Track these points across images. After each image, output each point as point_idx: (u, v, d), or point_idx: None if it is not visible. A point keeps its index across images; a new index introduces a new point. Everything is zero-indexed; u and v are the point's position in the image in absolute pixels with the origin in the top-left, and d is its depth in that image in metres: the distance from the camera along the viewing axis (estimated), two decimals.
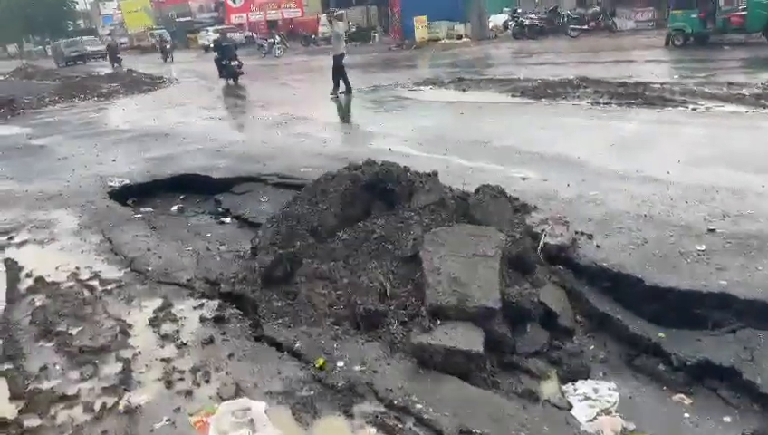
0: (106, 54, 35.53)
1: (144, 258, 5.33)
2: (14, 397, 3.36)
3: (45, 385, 3.47)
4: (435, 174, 4.80)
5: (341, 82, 14.71)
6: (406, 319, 3.77)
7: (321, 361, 3.37)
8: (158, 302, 4.42)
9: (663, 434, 3.07)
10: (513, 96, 12.10)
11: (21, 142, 12.45)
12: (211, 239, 6.19)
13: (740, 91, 10.10)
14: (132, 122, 13.94)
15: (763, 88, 10.24)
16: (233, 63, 19.01)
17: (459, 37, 31.67)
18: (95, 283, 4.91)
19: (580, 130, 8.69)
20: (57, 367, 3.65)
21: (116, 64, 31.61)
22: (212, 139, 10.83)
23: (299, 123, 11.70)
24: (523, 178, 6.44)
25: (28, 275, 5.21)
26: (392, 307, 3.84)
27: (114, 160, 9.64)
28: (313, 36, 40.10)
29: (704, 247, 4.32)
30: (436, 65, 20.82)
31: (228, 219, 6.94)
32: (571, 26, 25.29)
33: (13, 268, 5.37)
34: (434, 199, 4.42)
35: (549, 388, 3.45)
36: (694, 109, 9.19)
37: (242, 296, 4.32)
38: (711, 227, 4.65)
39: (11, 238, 6.29)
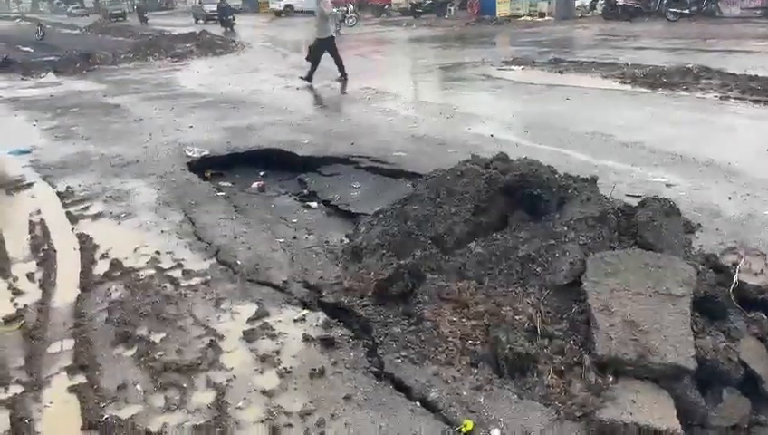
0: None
1: (231, 248, 4.68)
2: (86, 426, 2.74)
3: (124, 412, 2.84)
4: (593, 179, 3.91)
5: (337, 67, 12.93)
6: (562, 368, 2.95)
7: (469, 424, 2.60)
8: (251, 308, 3.75)
9: None
10: (621, 83, 10.91)
11: (96, 100, 12.14)
12: (298, 226, 5.52)
13: None
14: (207, 86, 13.46)
15: None
16: (228, 18, 30.23)
17: (542, 15, 30.04)
18: (178, 274, 4.29)
19: (719, 129, 7.55)
20: (138, 387, 3.02)
21: (228, 29, 29.95)
22: (292, 110, 10.16)
23: (383, 99, 10.89)
24: (668, 185, 5.45)
25: (104, 256, 4.64)
26: (545, 350, 3.02)
27: (191, 127, 9.09)
28: (386, 6, 39.05)
29: None
30: (520, 44, 19.54)
31: (315, 204, 6.25)
32: (671, 9, 23.35)
33: (87, 246, 4.82)
34: (593, 213, 3.54)
35: None
36: None
37: (350, 311, 3.59)
38: None
39: (86, 209, 5.77)
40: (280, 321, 3.58)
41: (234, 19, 31.10)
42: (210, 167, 7.34)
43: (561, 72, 12.56)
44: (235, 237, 4.90)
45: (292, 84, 13.02)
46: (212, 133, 8.61)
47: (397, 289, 3.46)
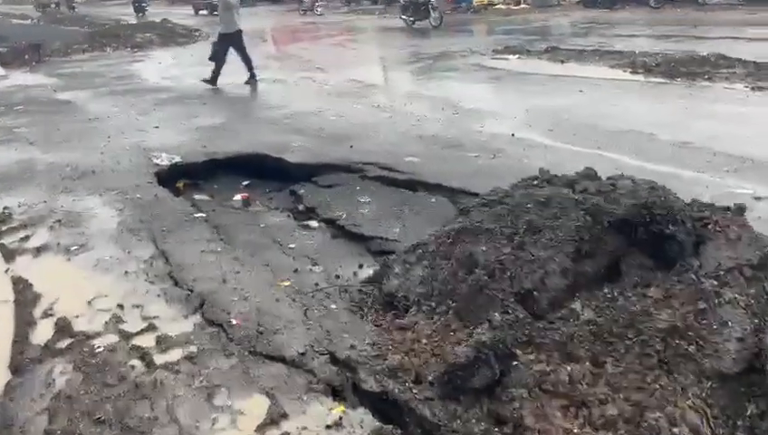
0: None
1: (220, 297, 3.52)
2: None
3: None
4: (741, 210, 2.85)
5: (245, 66, 10.79)
6: None
7: None
8: (260, 403, 2.61)
9: None
10: (632, 72, 9.97)
11: (45, 96, 10.69)
12: (297, 254, 4.39)
13: None
14: (172, 79, 12.11)
15: None
16: (142, 5, 29.24)
17: (518, 3, 29.13)
18: (150, 342, 3.11)
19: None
20: None
21: (141, 14, 28.86)
22: (272, 105, 8.95)
23: (374, 92, 9.74)
24: (756, 198, 4.47)
25: (47, 314, 3.44)
26: None
27: (157, 127, 7.81)
28: None
29: None
30: (504, 32, 18.50)
31: (315, 223, 5.10)
32: None
33: (25, 297, 3.60)
34: (749, 259, 2.51)
35: None
36: None
37: (405, 407, 2.48)
38: None
39: (26, 239, 4.51)
40: (305, 428, 2.44)
41: (147, 6, 30.24)
42: (183, 176, 6.12)
43: (562, 62, 11.57)
44: (224, 280, 3.74)
45: (267, 76, 11.73)
46: (182, 135, 7.36)
47: (480, 381, 2.35)
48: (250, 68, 10.78)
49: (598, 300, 2.57)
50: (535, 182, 3.36)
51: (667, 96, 8.22)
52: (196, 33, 20.96)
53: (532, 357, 2.48)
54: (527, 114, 7.62)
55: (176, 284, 3.73)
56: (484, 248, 2.83)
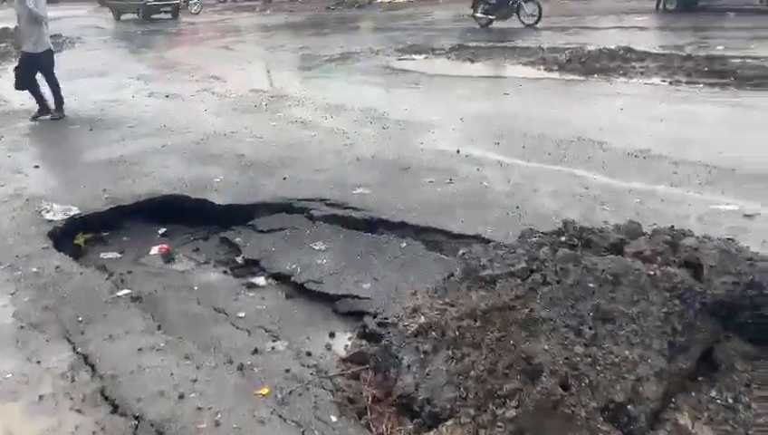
0: None
1: (183, 426, 2.66)
2: None
3: None
4: None
5: (51, 93, 8.58)
6: None
7: None
8: None
9: None
10: (547, 70, 9.86)
11: None
12: (250, 325, 3.62)
13: None
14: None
15: None
16: None
17: None
18: None
19: (718, 124, 6.57)
20: None
21: None
22: (175, 128, 7.84)
23: (285, 105, 8.88)
24: (746, 216, 4.23)
25: None
26: None
27: (37, 167, 6.51)
28: None
29: None
30: (397, 28, 18.20)
31: (262, 280, 4.29)
32: None
33: None
34: None
35: None
36: None
37: None
38: None
39: None
40: None
41: None
42: (82, 229, 5.03)
43: (471, 61, 11.30)
44: (182, 395, 2.87)
45: (158, 90, 10.47)
46: (71, 175, 6.15)
47: None
48: (59, 102, 8.59)
49: (708, 410, 2.06)
50: (563, 238, 2.80)
51: (595, 96, 8.09)
52: (61, 40, 18.68)
53: None
54: (463, 124, 7.15)
55: (114, 408, 2.81)
56: (546, 347, 2.23)
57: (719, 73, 8.21)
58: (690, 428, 2.00)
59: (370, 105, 8.37)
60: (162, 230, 5.13)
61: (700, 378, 2.17)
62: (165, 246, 4.86)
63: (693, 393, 2.11)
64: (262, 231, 4.83)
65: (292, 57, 13.94)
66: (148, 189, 5.55)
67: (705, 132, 6.14)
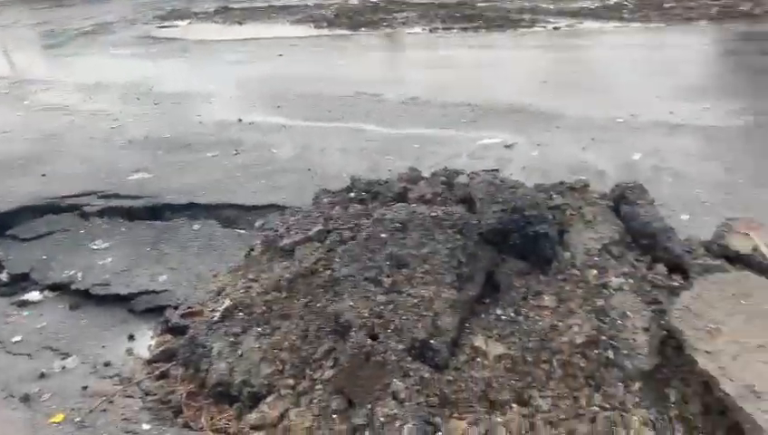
0: None
1: None
2: None
3: None
4: (585, 186, 2.77)
5: None
6: None
7: None
8: None
9: None
10: (317, 27, 9.91)
11: None
12: (31, 350, 3.22)
13: (577, 5, 9.60)
14: None
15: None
16: None
17: None
18: None
19: (472, 65, 7.15)
20: None
21: None
22: None
23: (34, 90, 7.78)
24: (507, 146, 4.72)
25: None
26: None
27: None
28: None
29: None
30: None
31: (37, 294, 3.80)
32: None
33: None
34: (611, 236, 2.47)
35: None
36: (556, 28, 8.37)
37: None
38: None
39: None
40: None
41: None
42: None
43: (239, 23, 10.91)
44: None
45: None
46: None
47: None
48: None
49: (497, 327, 2.28)
50: (352, 194, 2.87)
51: (365, 49, 8.33)
52: None
53: (455, 421, 2.10)
54: (240, 91, 6.92)
55: None
56: (351, 303, 2.28)
57: (469, 18, 8.95)
58: (484, 347, 2.22)
59: (135, 80, 7.69)
60: None
61: (486, 300, 2.40)
62: None
63: (483, 316, 2.33)
64: (26, 239, 4.22)
65: (33, 34, 12.20)
66: None
67: (464, 74, 6.69)
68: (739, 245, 2.80)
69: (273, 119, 5.86)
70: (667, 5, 8.79)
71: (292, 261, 2.69)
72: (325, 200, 3.05)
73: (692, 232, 3.01)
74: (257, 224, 3.74)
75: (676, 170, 4.03)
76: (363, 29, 9.40)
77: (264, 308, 2.65)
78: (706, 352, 2.11)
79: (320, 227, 2.69)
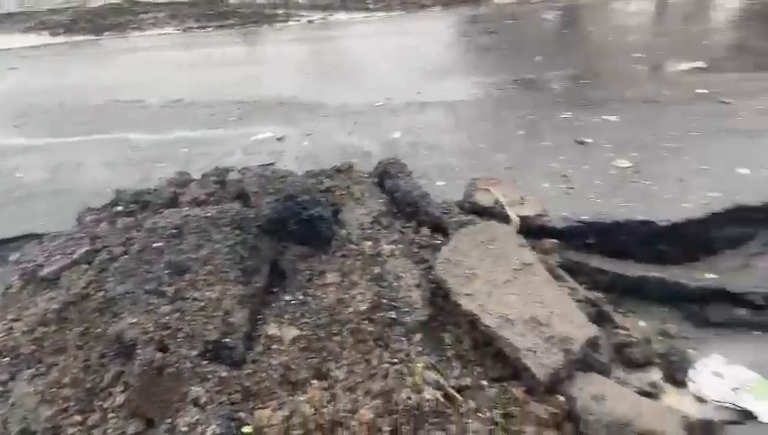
0: None
1: None
2: None
3: None
4: (350, 167, 2.91)
5: None
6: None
7: None
8: None
9: None
10: (53, 34, 8.96)
11: None
12: None
13: None
14: None
15: None
16: None
17: None
18: None
19: (231, 63, 7.07)
20: None
21: None
22: None
23: None
24: (279, 139, 4.80)
25: None
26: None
27: None
28: None
29: None
30: None
31: None
32: None
33: None
34: (379, 208, 2.69)
35: None
36: (310, 21, 8.60)
37: None
38: None
39: None
40: None
41: None
42: None
43: None
44: None
45: None
46: None
47: None
48: None
49: (288, 312, 2.35)
50: (119, 208, 2.72)
51: (116, 54, 7.75)
52: None
53: (259, 411, 2.14)
54: None
55: None
56: (133, 320, 2.17)
57: (223, 15, 8.82)
58: (278, 333, 2.28)
59: None
60: None
61: (275, 289, 2.46)
62: None
63: (273, 304, 2.39)
64: None
65: None
66: None
67: (226, 72, 6.61)
68: (483, 200, 3.24)
69: (12, 140, 5.20)
70: None
71: (58, 290, 2.46)
72: (89, 219, 2.83)
73: (448, 195, 3.41)
74: (12, 258, 3.32)
75: (429, 144, 4.46)
76: (108, 33, 8.73)
77: (32, 347, 2.40)
78: (467, 294, 2.42)
79: (86, 247, 2.50)
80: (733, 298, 2.85)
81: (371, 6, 9.18)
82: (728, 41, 6.53)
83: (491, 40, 7.40)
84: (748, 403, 2.47)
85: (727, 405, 2.46)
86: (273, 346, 2.29)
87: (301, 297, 2.39)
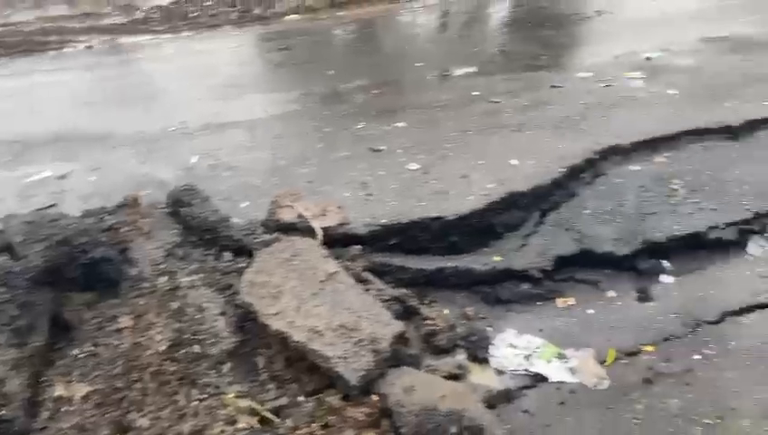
0: None
1: None
2: None
3: None
4: (134, 200, 2.69)
5: None
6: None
7: None
8: None
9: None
10: None
11: None
12: None
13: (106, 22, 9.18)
14: None
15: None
16: None
17: None
18: None
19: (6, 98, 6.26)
20: None
21: None
22: None
23: None
24: (61, 177, 4.38)
25: None
26: None
27: None
28: None
29: None
30: None
31: None
32: None
33: None
34: (173, 239, 2.57)
35: None
36: (89, 47, 7.93)
37: None
38: None
39: None
40: None
41: None
42: None
43: None
44: None
45: None
46: None
47: None
48: None
49: (76, 368, 2.13)
50: None
51: None
52: None
53: None
54: None
55: None
56: None
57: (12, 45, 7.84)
58: (66, 393, 2.06)
59: None
60: None
61: (60, 345, 2.22)
62: None
63: (59, 362, 2.15)
64: None
65: None
66: None
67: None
68: (286, 216, 3.25)
69: None
70: (192, 15, 9.29)
71: None
72: None
73: (253, 215, 3.36)
74: None
75: (230, 165, 4.37)
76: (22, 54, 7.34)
77: None
78: (275, 314, 2.41)
79: None
80: (516, 275, 3.18)
81: (157, 28, 8.76)
82: (494, 47, 7.29)
83: (284, 57, 7.46)
84: (539, 367, 2.76)
85: (522, 372, 2.73)
86: (63, 408, 2.07)
87: (90, 348, 2.19)
